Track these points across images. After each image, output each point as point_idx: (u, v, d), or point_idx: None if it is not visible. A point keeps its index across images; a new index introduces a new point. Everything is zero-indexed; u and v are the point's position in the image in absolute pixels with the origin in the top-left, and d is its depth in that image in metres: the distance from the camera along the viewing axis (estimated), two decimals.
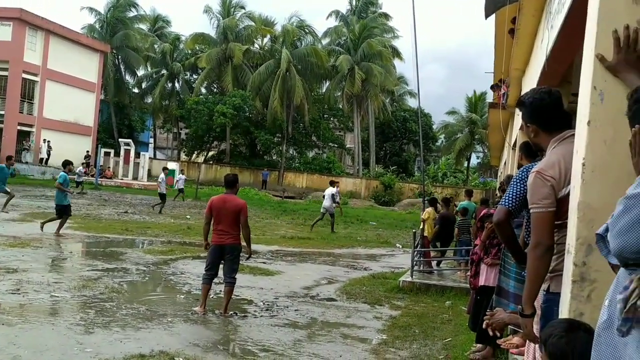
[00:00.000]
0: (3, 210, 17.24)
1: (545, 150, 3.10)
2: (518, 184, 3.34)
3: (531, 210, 2.85)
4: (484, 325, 3.76)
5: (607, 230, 1.46)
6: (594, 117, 2.54)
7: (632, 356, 1.36)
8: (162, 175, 24.71)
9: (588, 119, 2.56)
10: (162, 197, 23.41)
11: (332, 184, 22.78)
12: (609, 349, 1.43)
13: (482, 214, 6.68)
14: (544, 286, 2.97)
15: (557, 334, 2.21)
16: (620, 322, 1.33)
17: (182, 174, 33.72)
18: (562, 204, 2.79)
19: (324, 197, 22.36)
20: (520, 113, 3.36)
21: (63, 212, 14.44)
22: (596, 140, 2.51)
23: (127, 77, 55.49)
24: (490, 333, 3.94)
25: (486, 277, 6.72)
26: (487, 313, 4.14)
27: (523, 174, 3.39)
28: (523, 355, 4.56)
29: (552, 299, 2.91)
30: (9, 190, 18.00)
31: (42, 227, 14.24)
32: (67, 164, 15.60)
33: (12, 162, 19.38)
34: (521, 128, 9.88)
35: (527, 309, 2.86)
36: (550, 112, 3.02)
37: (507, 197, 3.35)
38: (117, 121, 52.87)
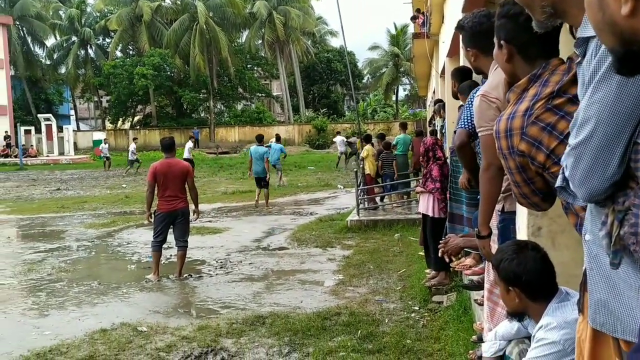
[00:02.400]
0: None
1: (487, 74, 3.14)
2: (471, 107, 3.38)
3: (480, 133, 2.91)
4: (439, 254, 3.87)
5: (564, 180, 1.51)
6: None
7: (623, 278, 1.42)
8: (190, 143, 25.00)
9: None
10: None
11: (339, 133, 29.12)
12: (603, 279, 1.49)
13: (430, 143, 6.81)
14: (498, 207, 3.06)
15: (508, 258, 2.31)
16: (611, 256, 1.37)
17: (105, 143, 32.82)
18: None
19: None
20: (457, 38, 3.37)
21: (268, 184, 15.35)
22: None
23: (36, 49, 52.52)
24: (447, 259, 4.07)
25: (424, 204, 6.89)
26: (440, 241, 4.26)
27: (473, 97, 3.44)
28: (476, 275, 4.75)
29: (508, 218, 3.01)
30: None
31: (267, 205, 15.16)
32: (262, 138, 16.34)
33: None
34: (449, 55, 10.01)
35: (484, 230, 2.94)
36: (489, 35, 3.04)
37: (464, 120, 3.39)
38: (33, 96, 50.25)
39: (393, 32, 55.50)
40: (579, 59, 1.45)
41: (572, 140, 1.41)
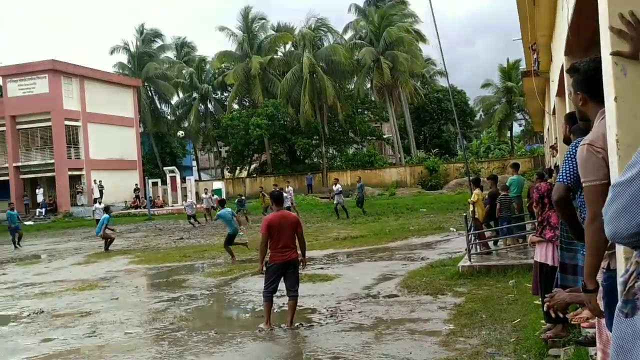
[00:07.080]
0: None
1: (591, 121, 3.04)
2: (572, 160, 3.27)
3: (584, 184, 2.80)
4: (544, 308, 3.74)
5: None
6: (620, 93, 2.52)
7: None
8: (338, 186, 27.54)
9: (614, 95, 2.54)
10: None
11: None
12: (629, 327, 1.47)
13: (544, 189, 6.58)
14: (604, 264, 2.93)
15: None
16: (621, 304, 1.37)
17: (207, 194, 32.18)
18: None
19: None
20: (570, 80, 3.27)
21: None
22: (626, 115, 2.49)
23: (162, 107, 56.72)
24: (553, 315, 3.91)
25: (542, 253, 6.66)
26: (545, 295, 4.09)
27: (574, 149, 3.32)
28: (593, 328, 4.52)
29: (613, 276, 2.88)
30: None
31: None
32: (224, 202, 17.49)
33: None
34: (558, 95, 9.72)
35: (590, 284, 2.82)
36: (602, 82, 2.93)
37: (563, 174, 3.29)
38: (159, 150, 54.10)
39: (505, 66, 54.31)
40: None
41: (617, 179, 1.42)
